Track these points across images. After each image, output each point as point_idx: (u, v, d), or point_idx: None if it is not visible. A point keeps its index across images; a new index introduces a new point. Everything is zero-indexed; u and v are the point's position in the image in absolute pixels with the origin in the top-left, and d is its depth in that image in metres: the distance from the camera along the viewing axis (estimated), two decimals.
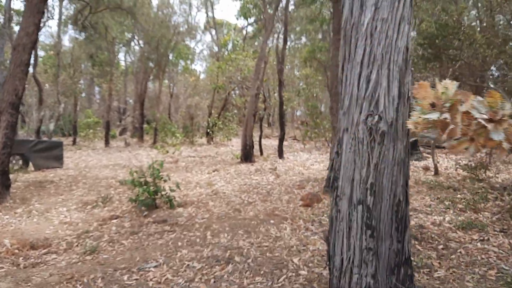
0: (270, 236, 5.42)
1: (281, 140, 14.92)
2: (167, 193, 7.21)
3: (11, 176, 10.74)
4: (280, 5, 15.16)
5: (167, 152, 16.33)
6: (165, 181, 7.30)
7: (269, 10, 15.34)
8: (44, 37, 37.09)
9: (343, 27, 2.98)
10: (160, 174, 7.29)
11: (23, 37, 7.91)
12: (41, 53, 32.92)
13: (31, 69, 18.04)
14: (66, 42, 32.44)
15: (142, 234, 5.83)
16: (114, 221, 6.56)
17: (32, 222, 6.44)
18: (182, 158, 15.98)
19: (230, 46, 23.74)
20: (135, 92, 31.42)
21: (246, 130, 13.76)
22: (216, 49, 39.05)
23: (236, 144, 23.65)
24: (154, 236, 5.68)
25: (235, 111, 27.10)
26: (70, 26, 33.35)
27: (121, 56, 37.01)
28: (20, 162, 12.35)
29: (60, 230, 6.06)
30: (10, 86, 7.75)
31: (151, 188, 7.09)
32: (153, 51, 22.01)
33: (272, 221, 6.14)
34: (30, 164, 12.41)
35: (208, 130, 22.92)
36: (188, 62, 36.64)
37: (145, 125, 25.90)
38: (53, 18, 32.38)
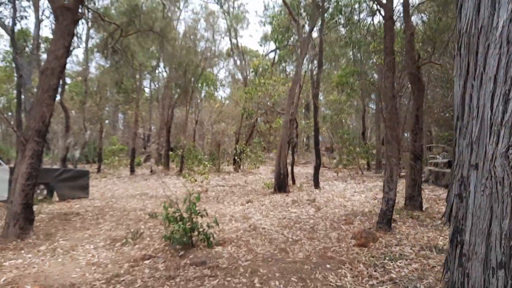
0: (330, 285, 4.67)
1: (317, 168, 14.18)
2: (204, 229, 6.55)
3: (34, 207, 10.37)
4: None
5: (195, 180, 15.81)
6: (202, 216, 6.66)
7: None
8: (70, 65, 37.86)
9: (463, 31, 2.33)
10: (197, 208, 6.66)
11: (51, 60, 7.57)
12: (67, 80, 33.50)
13: (58, 96, 18.06)
14: (92, 69, 32.91)
15: (179, 279, 5.15)
16: (147, 262, 5.92)
17: (56, 263, 5.86)
18: (211, 188, 15.38)
19: (260, 71, 23.39)
20: (160, 118, 31.39)
21: (280, 158, 13.10)
22: (239, 75, 39.08)
23: (264, 172, 23.01)
24: (194, 283, 5.00)
25: (260, 138, 26.61)
26: (96, 54, 34.10)
27: (145, 83, 37.44)
28: (45, 192, 11.98)
29: (87, 273, 5.45)
30: (37, 113, 7.36)
31: (187, 224, 6.46)
32: (180, 77, 21.85)
33: (328, 266, 5.39)
34: (55, 194, 12.02)
35: (236, 158, 22.36)
36: (212, 88, 36.65)
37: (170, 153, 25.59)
38: (79, 47, 33.11)
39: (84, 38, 22.92)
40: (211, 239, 6.53)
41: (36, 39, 15.83)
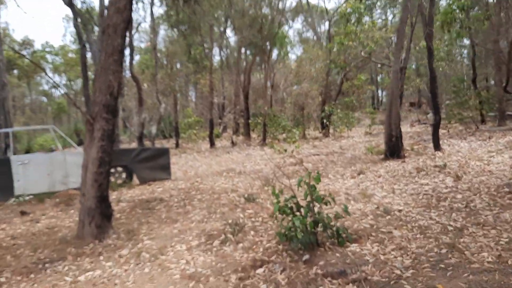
0: None
1: (437, 126, 11.85)
2: (332, 223, 4.90)
3: (113, 195, 9.45)
4: None
5: (285, 151, 14.21)
6: (326, 203, 4.99)
7: None
8: (136, 42, 37.65)
9: None
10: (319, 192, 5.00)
11: (113, 15, 6.19)
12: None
13: (126, 66, 17.18)
14: (159, 41, 32.36)
15: None
16: (260, 271, 4.43)
17: (143, 276, 4.58)
18: (304, 158, 13.73)
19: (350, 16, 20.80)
20: (235, 85, 30.16)
21: (391, 116, 11.02)
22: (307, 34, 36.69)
23: (356, 135, 20.87)
24: None
25: (351, 96, 24.29)
26: (161, 27, 33.54)
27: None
28: (124, 175, 11.11)
29: None
30: (103, 83, 6.07)
31: (309, 216, 4.85)
32: (254, 36, 20.09)
33: None
34: (135, 177, 11.13)
35: (324, 121, 20.40)
36: (287, 48, 34.66)
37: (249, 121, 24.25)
38: (145, 21, 32.75)
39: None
40: (343, 234, 4.86)
41: (102, 4, 15.02)
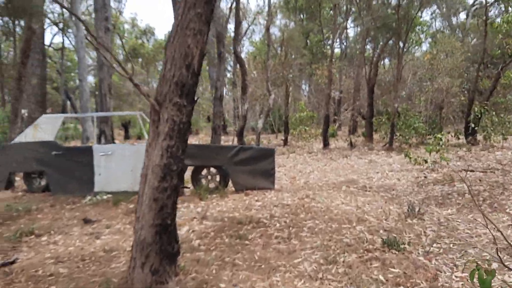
0: None
1: None
2: None
3: (200, 205, 7.61)
4: None
5: (425, 162, 11.28)
6: None
7: None
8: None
9: None
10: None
11: None
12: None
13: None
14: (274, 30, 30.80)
15: None
16: None
17: None
18: (455, 175, 10.61)
19: None
20: (355, 78, 27.34)
21: None
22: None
23: None
24: None
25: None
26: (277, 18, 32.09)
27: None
28: (217, 178, 9.25)
29: None
30: (176, 50, 4.04)
31: None
32: (389, 16, 17.13)
33: None
34: (230, 182, 9.24)
35: (472, 126, 16.68)
36: (421, 35, 30.64)
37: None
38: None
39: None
40: None
41: None
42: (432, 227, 5.86)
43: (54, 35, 71.35)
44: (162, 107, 4.05)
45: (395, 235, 5.36)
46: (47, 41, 38.36)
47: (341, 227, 6.00)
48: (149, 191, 4.02)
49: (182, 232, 6.03)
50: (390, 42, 21.50)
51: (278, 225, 6.28)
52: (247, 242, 5.51)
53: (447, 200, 7.79)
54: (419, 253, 4.85)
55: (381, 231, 5.65)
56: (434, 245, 5.15)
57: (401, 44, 17.40)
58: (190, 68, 4.05)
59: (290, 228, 6.06)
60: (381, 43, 22.30)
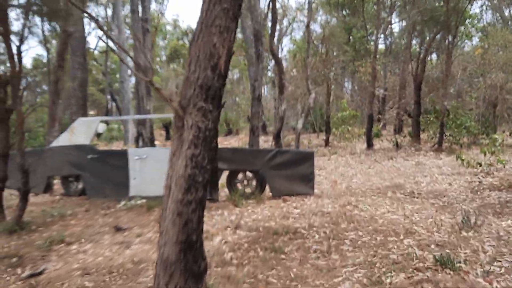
0: None
1: None
2: None
3: (234, 213, 7.29)
4: None
5: (480, 165, 10.48)
6: None
7: None
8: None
9: None
10: None
11: None
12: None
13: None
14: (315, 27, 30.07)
15: None
16: None
17: None
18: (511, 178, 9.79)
19: None
20: (401, 75, 26.30)
21: None
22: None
23: None
24: None
25: None
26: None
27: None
28: (254, 183, 8.90)
29: None
30: (201, 49, 3.70)
31: None
32: (437, 8, 16.17)
33: None
34: (267, 187, 8.87)
35: None
36: (471, 29, 29.12)
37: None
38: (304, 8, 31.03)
39: None
40: None
41: None
42: (491, 242, 5.25)
43: (100, 38, 73.54)
44: (186, 112, 3.72)
45: (448, 251, 4.81)
46: (92, 45, 39.25)
47: (387, 240, 5.49)
48: (172, 204, 3.69)
49: (214, 242, 5.72)
50: (438, 36, 20.47)
51: (317, 236, 5.85)
52: (283, 256, 5.12)
53: (505, 208, 7.09)
54: (477, 274, 4.28)
55: (432, 246, 5.10)
56: (495, 263, 4.56)
57: (450, 38, 16.46)
58: (216, 69, 3.70)
59: (330, 240, 5.61)
60: (428, 37, 21.28)
